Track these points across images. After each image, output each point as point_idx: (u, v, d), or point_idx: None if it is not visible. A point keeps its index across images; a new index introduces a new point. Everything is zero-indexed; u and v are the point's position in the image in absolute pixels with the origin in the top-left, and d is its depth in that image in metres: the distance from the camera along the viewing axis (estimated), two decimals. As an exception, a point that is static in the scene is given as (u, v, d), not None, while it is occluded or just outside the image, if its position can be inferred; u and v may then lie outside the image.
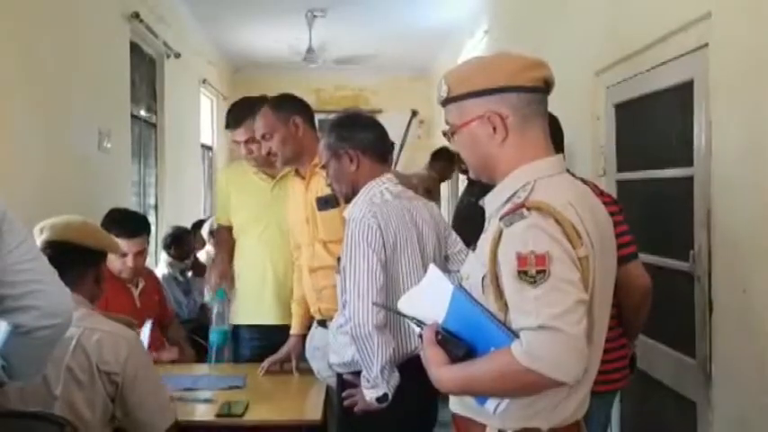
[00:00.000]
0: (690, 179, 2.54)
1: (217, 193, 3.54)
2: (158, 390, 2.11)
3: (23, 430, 1.76)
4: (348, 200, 2.38)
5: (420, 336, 1.54)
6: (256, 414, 2.47)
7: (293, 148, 2.89)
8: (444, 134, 1.64)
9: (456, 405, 1.58)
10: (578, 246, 1.37)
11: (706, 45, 2.40)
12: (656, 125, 2.92)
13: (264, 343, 3.10)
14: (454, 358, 1.46)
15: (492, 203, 1.55)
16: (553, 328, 1.30)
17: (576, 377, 1.34)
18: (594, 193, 2.34)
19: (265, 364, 2.92)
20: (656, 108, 2.90)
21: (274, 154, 2.92)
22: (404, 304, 1.65)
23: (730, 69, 2.27)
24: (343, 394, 2.31)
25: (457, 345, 1.46)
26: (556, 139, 2.49)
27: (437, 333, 1.49)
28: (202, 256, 5.23)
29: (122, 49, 4.88)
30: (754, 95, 2.12)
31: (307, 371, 2.83)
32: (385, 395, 2.16)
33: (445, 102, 1.59)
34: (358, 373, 2.22)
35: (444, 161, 5.83)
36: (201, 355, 3.68)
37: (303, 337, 2.90)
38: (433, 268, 1.63)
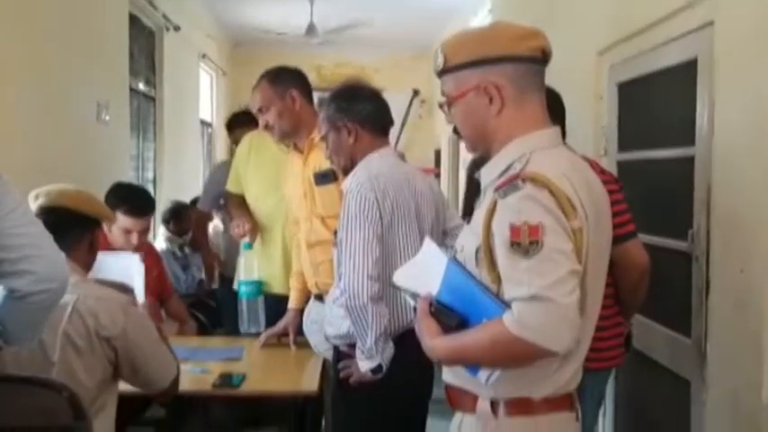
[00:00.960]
0: (691, 159, 2.53)
1: (235, 161, 3.42)
2: (159, 346, 2.12)
3: (21, 395, 1.76)
4: (346, 172, 2.37)
5: (415, 308, 1.55)
6: (253, 385, 2.47)
7: (290, 122, 2.87)
8: (440, 106, 1.63)
9: (449, 375, 1.59)
10: (572, 217, 1.37)
11: (711, 23, 2.38)
12: (658, 105, 2.91)
13: (270, 312, 3.07)
14: (447, 329, 1.47)
15: (488, 175, 1.55)
16: (545, 298, 1.30)
17: (568, 347, 1.34)
18: (595, 171, 2.36)
19: (262, 337, 2.93)
20: (658, 87, 2.89)
21: (271, 127, 2.90)
22: (399, 277, 1.65)
23: (735, 48, 2.25)
24: (339, 365, 2.31)
25: (450, 316, 1.47)
26: (557, 113, 2.50)
27: (431, 304, 1.50)
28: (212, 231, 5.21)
29: (121, 21, 4.85)
30: (759, 75, 2.11)
31: (304, 344, 2.83)
32: (379, 366, 2.17)
33: (441, 72, 1.58)
34: (354, 346, 2.23)
35: None
36: (201, 331, 3.68)
37: (301, 312, 2.90)
38: (428, 241, 1.64)
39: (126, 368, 2.01)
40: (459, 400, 1.57)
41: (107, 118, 4.35)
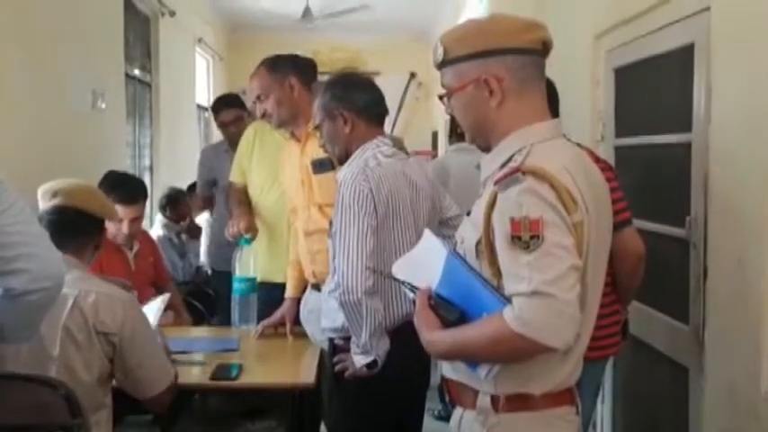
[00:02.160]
0: (688, 145, 2.51)
1: (239, 150, 3.39)
2: (156, 349, 2.13)
3: (18, 392, 1.76)
4: (342, 162, 2.35)
5: (413, 301, 1.54)
6: (250, 377, 2.48)
7: (288, 110, 2.85)
8: (440, 98, 1.61)
9: (448, 370, 1.58)
10: (573, 211, 1.36)
11: (708, 8, 2.36)
12: (655, 90, 2.89)
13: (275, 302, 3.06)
14: (446, 323, 1.46)
15: (487, 168, 1.54)
16: (546, 294, 1.29)
17: (568, 343, 1.34)
18: (591, 157, 2.35)
19: (259, 327, 2.92)
20: (655, 73, 2.87)
21: (269, 115, 2.88)
22: (398, 269, 1.64)
23: (732, 34, 2.23)
24: (335, 359, 2.31)
25: (449, 309, 1.46)
26: (552, 103, 2.48)
27: (430, 297, 1.49)
28: (202, 220, 5.20)
29: (116, 7, 4.81)
30: (756, 61, 2.09)
31: (301, 334, 2.83)
32: (374, 361, 2.16)
33: (441, 65, 1.57)
34: (349, 339, 2.22)
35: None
36: (198, 319, 3.69)
37: (298, 301, 2.89)
38: (428, 233, 1.63)
39: (118, 367, 2.01)
40: (459, 395, 1.57)
41: (103, 106, 4.33)
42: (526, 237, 1.32)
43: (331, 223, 2.30)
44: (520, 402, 1.47)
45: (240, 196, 3.29)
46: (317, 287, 2.71)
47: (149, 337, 2.09)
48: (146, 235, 3.66)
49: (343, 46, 9.13)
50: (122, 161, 4.82)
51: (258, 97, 2.88)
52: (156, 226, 4.94)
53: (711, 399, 2.34)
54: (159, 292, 3.41)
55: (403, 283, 1.60)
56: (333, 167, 2.65)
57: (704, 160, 2.39)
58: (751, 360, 2.08)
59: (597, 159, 2.38)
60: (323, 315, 2.40)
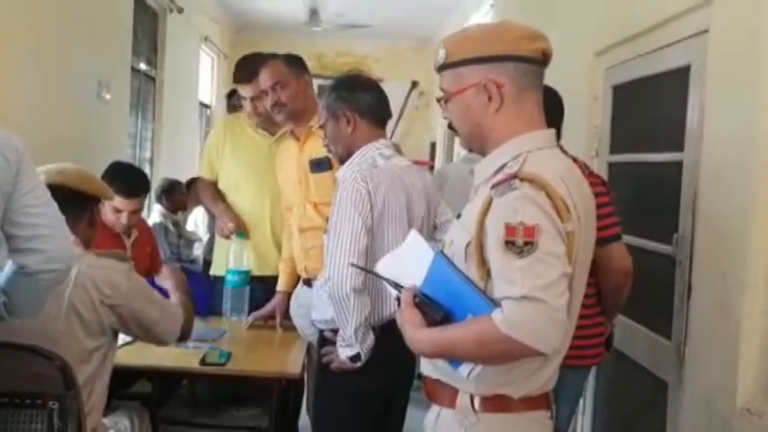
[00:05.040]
0: (679, 164, 2.56)
1: (208, 144, 3.47)
2: (162, 303, 2.22)
3: (12, 360, 1.81)
4: (343, 161, 2.39)
5: (397, 298, 1.55)
6: (238, 364, 2.51)
7: (302, 104, 2.93)
8: (438, 101, 1.63)
9: (428, 368, 1.59)
10: (567, 220, 1.38)
11: (706, 31, 2.41)
12: (650, 109, 2.94)
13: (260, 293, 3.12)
14: (431, 322, 1.46)
15: (482, 173, 1.55)
16: (537, 299, 1.31)
17: (554, 348, 1.35)
18: (584, 172, 2.39)
19: (250, 318, 2.97)
20: (652, 91, 2.92)
21: (282, 104, 2.93)
22: (382, 266, 1.66)
23: (728, 57, 2.28)
24: (322, 351, 2.35)
25: (435, 308, 1.47)
26: (554, 112, 2.53)
27: (415, 296, 1.49)
28: (198, 214, 5.24)
29: (125, 1, 4.86)
30: (749, 84, 2.13)
31: (290, 328, 2.87)
32: (358, 355, 2.20)
33: (442, 67, 1.57)
34: (337, 331, 2.26)
35: None
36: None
37: (289, 295, 2.94)
38: (413, 233, 1.64)
39: (137, 329, 2.11)
40: (437, 394, 1.57)
41: (107, 96, 4.37)
42: (520, 242, 1.33)
43: (328, 220, 2.34)
44: (498, 404, 1.49)
45: (214, 192, 3.35)
46: (308, 282, 2.75)
47: (153, 296, 2.18)
48: (144, 224, 3.69)
49: (347, 51, 9.20)
50: (123, 152, 4.87)
51: (274, 86, 2.93)
52: (153, 214, 5.00)
53: (688, 412, 2.38)
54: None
55: (387, 280, 1.60)
56: (330, 167, 2.70)
57: (694, 180, 2.44)
58: (728, 374, 2.12)
59: (591, 173, 2.43)
60: (313, 307, 2.44)
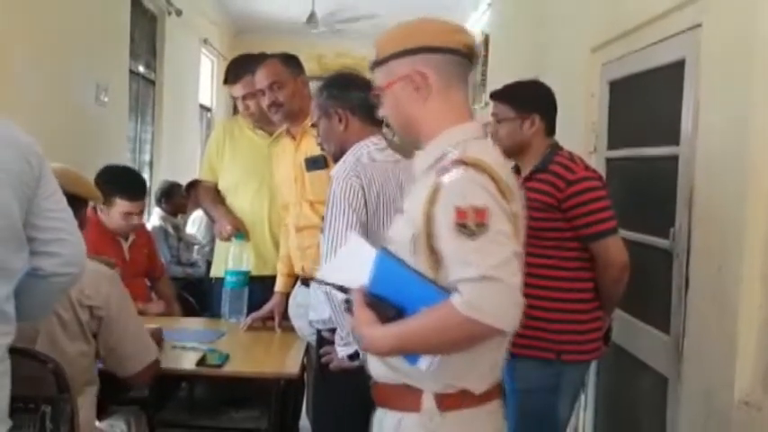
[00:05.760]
0: (675, 158, 2.56)
1: (209, 146, 3.49)
2: (139, 326, 2.19)
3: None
4: (336, 159, 2.40)
5: (346, 301, 1.55)
6: (237, 366, 2.51)
7: (298, 104, 2.93)
8: (374, 99, 1.67)
9: (384, 372, 1.56)
10: (511, 201, 1.42)
11: (699, 25, 2.41)
12: (647, 103, 2.94)
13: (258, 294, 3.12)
14: (384, 319, 1.45)
15: (421, 163, 1.57)
16: (493, 278, 1.32)
17: (515, 326, 1.37)
18: (579, 167, 2.40)
19: (248, 320, 2.97)
20: (648, 86, 2.92)
21: (280, 104, 2.93)
22: (325, 272, 1.67)
23: (721, 50, 2.28)
24: (321, 351, 2.35)
25: (386, 306, 1.46)
26: (549, 108, 2.54)
27: (365, 296, 1.49)
28: (197, 217, 5.25)
29: (123, 3, 4.87)
30: (742, 78, 2.13)
31: (289, 328, 2.87)
32: (356, 353, 2.19)
33: (373, 66, 1.63)
34: (335, 331, 2.26)
35: None
36: (188, 312, 3.72)
37: (287, 295, 2.93)
38: (353, 236, 1.66)
39: (103, 343, 2.06)
40: (396, 399, 1.55)
41: (106, 99, 4.38)
42: (472, 224, 1.35)
43: (323, 218, 2.34)
44: (461, 400, 1.50)
45: (214, 195, 3.37)
46: (306, 282, 2.75)
47: (133, 314, 2.16)
48: (143, 227, 3.71)
49: (347, 52, 9.19)
50: (122, 155, 4.88)
51: (271, 85, 2.94)
52: (153, 217, 5.01)
53: (687, 406, 2.38)
54: (153, 282, 3.48)
55: (333, 285, 1.60)
56: (326, 165, 2.70)
57: (690, 173, 2.44)
58: (726, 366, 2.12)
59: (586, 167, 2.43)
60: (311, 307, 2.44)
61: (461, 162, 1.41)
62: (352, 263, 1.56)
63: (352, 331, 1.52)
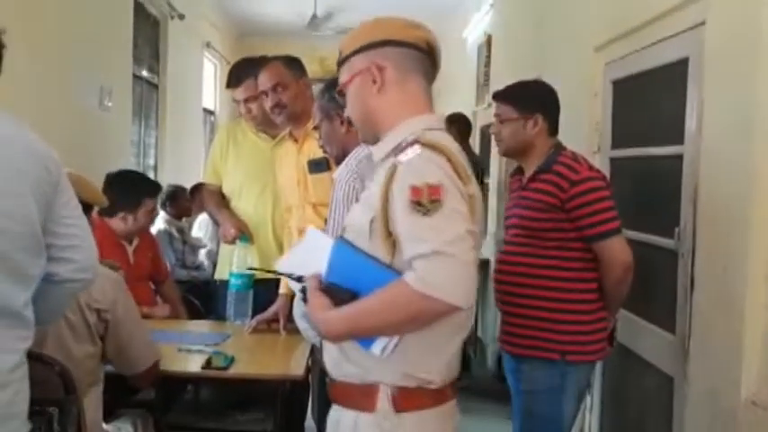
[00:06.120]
0: (680, 157, 2.55)
1: (213, 150, 3.51)
2: (143, 327, 2.23)
3: None
4: (338, 161, 2.40)
5: (301, 290, 1.57)
6: (242, 368, 2.51)
7: (301, 106, 2.94)
8: (340, 96, 1.71)
9: (340, 372, 1.56)
10: (467, 183, 1.43)
11: (703, 23, 2.41)
12: (650, 102, 2.93)
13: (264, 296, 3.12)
14: (339, 303, 1.46)
15: (379, 152, 1.60)
16: (446, 254, 1.33)
17: (470, 302, 1.37)
18: (583, 166, 2.40)
19: (253, 322, 2.96)
20: (651, 85, 2.91)
21: (283, 106, 2.95)
22: (283, 264, 1.69)
23: (725, 48, 2.27)
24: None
25: (341, 291, 1.47)
26: (551, 107, 2.54)
27: (320, 282, 1.51)
28: (202, 220, 5.26)
29: (126, 8, 4.88)
30: (746, 76, 2.13)
31: (294, 330, 2.86)
32: None
33: (338, 65, 1.66)
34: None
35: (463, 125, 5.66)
36: (193, 314, 3.73)
37: (291, 297, 2.93)
38: (311, 230, 1.69)
39: (112, 345, 2.08)
40: (352, 398, 1.55)
41: (109, 104, 4.39)
42: (426, 201, 1.36)
43: (326, 221, 2.35)
44: (418, 400, 1.50)
45: (218, 198, 3.39)
46: (310, 284, 2.75)
47: (137, 315, 2.19)
48: (147, 231, 3.71)
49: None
50: (126, 159, 4.89)
51: (275, 87, 2.95)
52: (158, 222, 5.01)
53: (693, 405, 2.37)
54: (157, 286, 3.49)
55: (289, 275, 1.63)
56: (328, 168, 2.70)
57: (695, 172, 2.43)
58: (732, 366, 2.11)
59: (590, 167, 2.42)
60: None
61: (418, 142, 1.44)
62: (311, 255, 1.58)
63: (308, 317, 1.53)
